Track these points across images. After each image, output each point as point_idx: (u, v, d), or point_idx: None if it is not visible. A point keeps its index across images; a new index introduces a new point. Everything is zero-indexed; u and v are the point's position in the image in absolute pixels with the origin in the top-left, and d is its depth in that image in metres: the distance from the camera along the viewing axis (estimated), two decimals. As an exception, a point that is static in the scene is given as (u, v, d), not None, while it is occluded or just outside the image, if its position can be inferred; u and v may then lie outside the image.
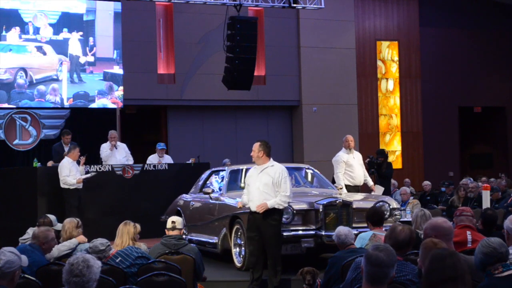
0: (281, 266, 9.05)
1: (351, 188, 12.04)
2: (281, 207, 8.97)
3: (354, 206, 9.81)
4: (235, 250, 10.08)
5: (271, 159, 9.14)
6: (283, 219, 9.38)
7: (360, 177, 12.34)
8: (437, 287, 4.04)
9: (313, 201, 9.81)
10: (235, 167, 11.45)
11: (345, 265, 6.28)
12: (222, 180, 11.61)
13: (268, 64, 20.57)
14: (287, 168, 11.78)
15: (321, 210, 9.61)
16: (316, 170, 11.91)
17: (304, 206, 9.72)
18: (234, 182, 11.06)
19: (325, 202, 9.70)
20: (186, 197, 12.14)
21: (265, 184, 8.96)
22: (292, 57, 21.01)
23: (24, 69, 16.14)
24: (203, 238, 11.02)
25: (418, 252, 6.40)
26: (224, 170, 11.90)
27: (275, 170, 9.01)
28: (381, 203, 10.05)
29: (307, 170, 11.85)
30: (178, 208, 11.92)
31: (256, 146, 9.07)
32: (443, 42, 24.10)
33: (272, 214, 8.96)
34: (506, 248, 4.58)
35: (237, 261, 10.03)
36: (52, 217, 8.63)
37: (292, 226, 9.50)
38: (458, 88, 24.20)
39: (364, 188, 12.94)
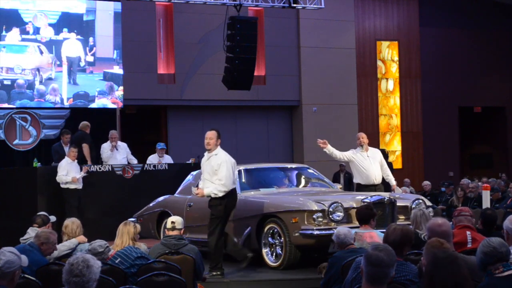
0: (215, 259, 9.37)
1: (363, 187, 11.44)
2: (216, 196, 9.28)
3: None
4: (266, 250, 10.00)
5: (219, 147, 9.46)
6: (336, 217, 9.47)
7: (374, 176, 11.48)
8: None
9: (359, 199, 9.82)
10: (243, 167, 11.36)
11: (345, 265, 6.28)
12: None
13: (268, 64, 20.57)
14: (286, 168, 11.88)
15: None
16: (315, 170, 11.89)
17: (352, 204, 9.71)
18: (244, 183, 10.97)
19: (373, 200, 9.72)
20: (177, 197, 11.90)
21: (207, 173, 9.39)
22: (292, 57, 21.01)
23: (38, 69, 16.21)
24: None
25: (418, 252, 6.44)
26: None
27: (216, 159, 9.34)
28: (416, 201, 10.20)
29: (308, 170, 11.82)
30: (166, 210, 11.58)
31: (215, 134, 9.42)
32: (443, 42, 24.11)
33: (214, 202, 9.34)
34: (506, 248, 4.57)
35: (270, 261, 9.94)
36: (43, 213, 8.80)
37: (339, 224, 9.42)
38: (458, 88, 24.21)
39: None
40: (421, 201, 10.27)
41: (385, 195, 10.12)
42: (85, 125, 14.64)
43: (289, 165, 12.37)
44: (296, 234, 9.51)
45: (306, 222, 9.47)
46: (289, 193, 10.70)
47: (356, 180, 11.64)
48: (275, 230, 9.84)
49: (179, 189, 12.07)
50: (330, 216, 9.48)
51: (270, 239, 9.96)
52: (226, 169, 9.25)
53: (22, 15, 16.19)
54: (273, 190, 10.91)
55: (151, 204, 12.16)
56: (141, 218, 12.11)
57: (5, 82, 16.00)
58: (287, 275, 9.48)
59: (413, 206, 10.03)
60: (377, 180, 11.52)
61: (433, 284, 4.10)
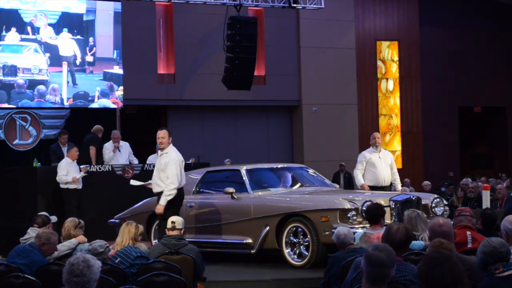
0: None
1: (370, 189, 11.37)
2: (170, 198, 9.74)
3: None
4: (287, 250, 9.95)
5: (171, 145, 9.91)
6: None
7: (383, 178, 11.46)
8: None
9: (387, 197, 9.88)
10: (250, 167, 11.25)
11: (345, 265, 6.28)
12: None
13: (268, 64, 20.57)
14: (285, 168, 11.85)
15: (393, 206, 9.68)
16: (314, 170, 11.86)
17: (381, 202, 9.65)
18: (253, 182, 10.89)
19: (402, 199, 9.79)
20: None
21: (156, 170, 9.94)
22: (292, 57, 21.01)
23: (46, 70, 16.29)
24: (219, 239, 10.74)
25: (418, 252, 6.46)
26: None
27: (166, 157, 9.82)
28: (436, 200, 10.30)
29: (307, 170, 11.80)
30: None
31: (166, 133, 9.91)
32: (443, 42, 24.10)
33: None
34: (506, 248, 4.57)
35: (293, 260, 9.89)
36: (44, 213, 8.85)
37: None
38: (458, 88, 24.20)
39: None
40: (439, 200, 10.37)
41: (413, 193, 10.35)
42: (98, 129, 14.71)
43: (287, 165, 12.34)
44: (327, 232, 9.45)
45: (338, 221, 9.47)
46: (305, 192, 10.69)
47: (366, 180, 11.57)
48: (299, 229, 9.81)
49: None
50: (364, 214, 9.47)
51: (291, 238, 9.92)
52: (174, 167, 9.72)
53: (22, 15, 16.19)
54: (284, 190, 10.88)
55: (137, 205, 11.90)
56: (125, 219, 11.94)
57: (24, 81, 16.09)
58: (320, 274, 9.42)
59: (433, 205, 10.15)
60: (386, 182, 11.48)
61: (429, 284, 4.10)
